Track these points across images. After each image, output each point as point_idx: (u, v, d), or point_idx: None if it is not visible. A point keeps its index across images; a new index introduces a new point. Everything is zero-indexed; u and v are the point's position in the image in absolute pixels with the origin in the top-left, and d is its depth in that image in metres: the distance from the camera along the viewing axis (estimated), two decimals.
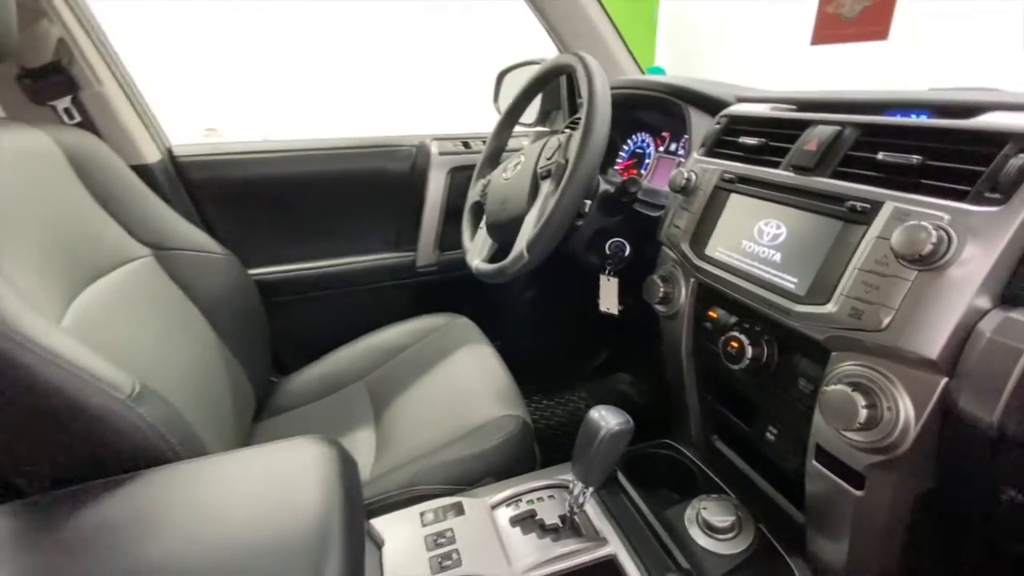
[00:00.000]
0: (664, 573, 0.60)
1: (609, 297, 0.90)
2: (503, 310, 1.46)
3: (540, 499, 0.70)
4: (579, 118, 0.76)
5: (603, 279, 0.90)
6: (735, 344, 0.61)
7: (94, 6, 0.97)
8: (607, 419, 0.57)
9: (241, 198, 1.17)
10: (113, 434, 0.52)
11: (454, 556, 0.61)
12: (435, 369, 1.00)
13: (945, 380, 0.43)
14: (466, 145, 1.32)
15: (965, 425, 0.42)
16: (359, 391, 1.02)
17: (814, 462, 0.55)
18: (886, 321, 0.45)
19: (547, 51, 1.26)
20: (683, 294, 0.73)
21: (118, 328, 0.70)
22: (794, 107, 0.69)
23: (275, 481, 0.52)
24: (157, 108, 1.10)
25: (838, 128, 0.57)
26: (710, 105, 0.83)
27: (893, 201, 0.48)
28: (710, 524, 0.65)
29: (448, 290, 1.36)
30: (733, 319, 0.66)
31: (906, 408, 0.45)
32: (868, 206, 0.49)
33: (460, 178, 1.29)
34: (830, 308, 0.49)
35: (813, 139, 0.58)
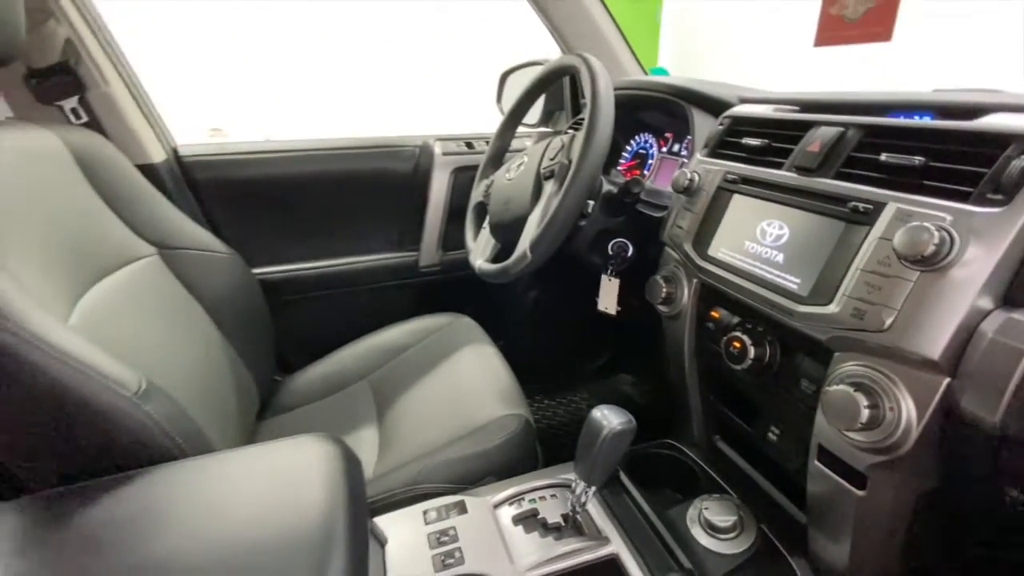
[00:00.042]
0: (666, 572, 0.61)
1: (608, 297, 0.90)
2: (506, 310, 1.46)
3: (542, 498, 0.70)
4: (582, 119, 0.76)
5: (604, 279, 0.90)
6: (737, 344, 0.61)
7: (100, 6, 0.98)
8: (610, 419, 0.57)
9: (246, 198, 1.18)
10: (119, 431, 0.52)
11: (457, 554, 0.61)
12: (438, 369, 1.00)
13: (947, 380, 0.43)
14: (469, 145, 1.32)
15: (967, 425, 0.42)
16: (362, 390, 1.03)
17: (816, 462, 0.55)
18: (888, 322, 0.45)
19: (548, 51, 1.26)
20: (686, 294, 0.73)
21: (124, 326, 0.70)
22: (797, 108, 0.69)
23: (280, 479, 0.52)
24: (160, 108, 1.11)
25: (841, 129, 0.57)
26: (713, 106, 0.83)
27: (896, 202, 0.48)
28: (712, 524, 0.65)
29: (451, 290, 1.37)
30: (736, 319, 0.66)
31: (908, 408, 0.45)
32: (871, 207, 0.50)
33: (463, 178, 1.29)
34: (832, 308, 0.50)
35: (816, 140, 0.59)
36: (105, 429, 0.52)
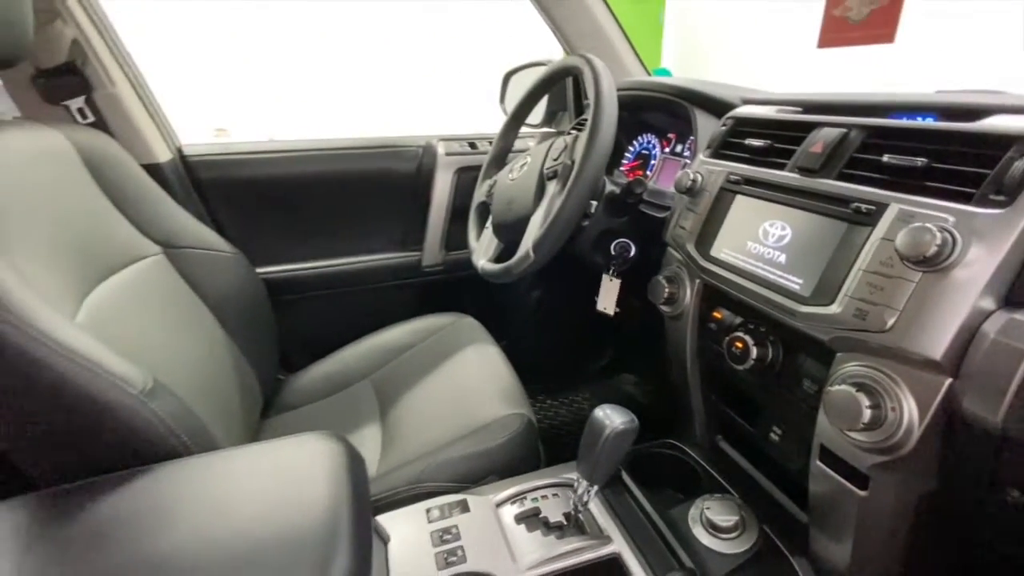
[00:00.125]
0: (668, 571, 0.61)
1: (608, 297, 0.90)
2: (508, 310, 1.46)
3: (544, 497, 0.70)
4: (585, 119, 0.77)
5: (605, 278, 0.90)
6: (740, 344, 0.61)
7: (106, 7, 0.99)
8: (612, 418, 0.57)
9: (250, 197, 1.18)
10: (125, 428, 0.52)
11: (459, 552, 0.62)
12: (440, 368, 1.00)
13: (949, 381, 0.43)
14: (472, 146, 1.33)
15: (969, 426, 0.42)
16: (365, 389, 1.03)
17: (818, 462, 0.55)
18: (890, 322, 0.45)
19: (548, 51, 1.27)
20: (688, 295, 0.73)
21: (130, 324, 0.71)
22: (800, 109, 0.69)
23: (284, 476, 0.52)
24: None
25: (844, 130, 0.57)
26: (716, 107, 0.84)
27: (898, 203, 0.48)
28: (714, 523, 0.65)
29: (454, 290, 1.37)
30: (738, 320, 0.67)
31: (910, 408, 0.45)
32: (873, 208, 0.50)
33: (466, 178, 1.30)
34: (835, 309, 0.50)
35: (819, 141, 0.59)
36: (111, 426, 0.52)
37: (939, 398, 0.43)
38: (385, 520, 0.66)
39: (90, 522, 0.47)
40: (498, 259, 0.89)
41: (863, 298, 0.48)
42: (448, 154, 1.29)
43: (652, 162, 1.05)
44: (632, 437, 0.58)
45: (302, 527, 0.46)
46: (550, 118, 1.32)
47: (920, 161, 0.49)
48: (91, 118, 0.97)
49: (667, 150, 1.03)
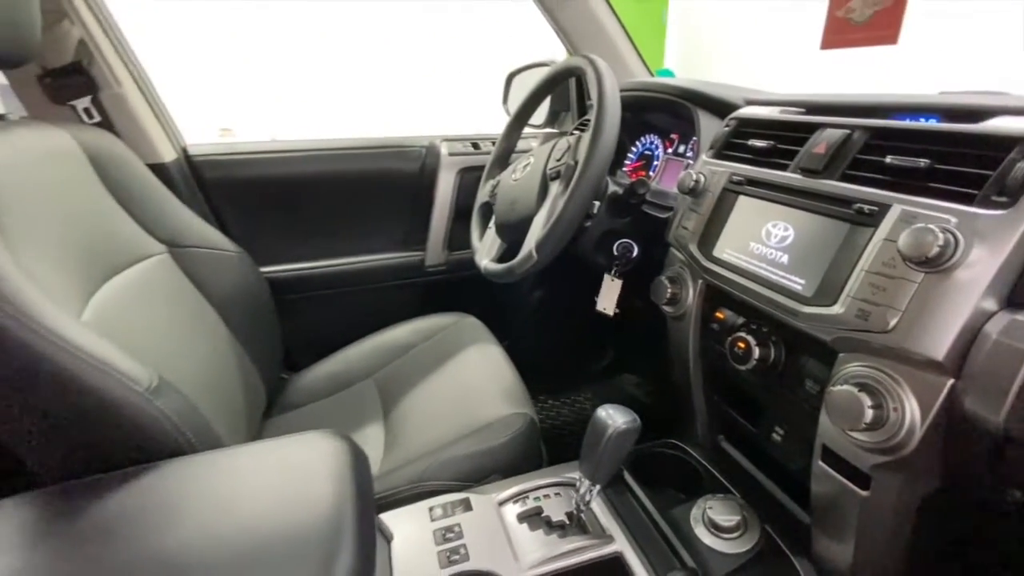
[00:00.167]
0: (669, 571, 0.61)
1: (608, 297, 0.90)
2: (511, 310, 1.46)
3: (547, 496, 0.70)
4: (588, 120, 0.77)
5: (607, 278, 0.90)
6: (742, 345, 0.62)
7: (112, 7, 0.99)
8: (614, 417, 0.58)
9: (254, 197, 1.19)
10: (131, 425, 0.53)
11: (462, 551, 0.62)
12: (443, 367, 1.01)
13: (951, 381, 0.43)
14: (475, 146, 1.33)
15: (971, 426, 0.42)
16: (368, 388, 1.04)
17: (820, 462, 0.55)
18: (893, 322, 0.45)
19: (549, 51, 1.27)
20: (691, 295, 0.73)
21: (135, 323, 0.71)
22: (803, 110, 0.69)
23: (289, 474, 0.53)
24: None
25: (847, 131, 0.58)
26: (719, 107, 0.84)
27: (900, 204, 0.48)
28: (716, 523, 0.65)
29: (456, 290, 1.38)
30: (740, 320, 0.67)
31: (912, 409, 0.45)
32: (876, 209, 0.50)
33: (469, 179, 1.30)
34: (837, 309, 0.50)
35: (822, 142, 0.59)
36: (117, 423, 0.52)
37: (941, 398, 0.43)
38: (388, 518, 0.66)
39: (97, 518, 0.48)
40: (501, 259, 0.90)
41: (865, 298, 0.48)
42: (451, 154, 1.29)
43: (655, 163, 1.05)
44: (634, 437, 0.58)
45: (307, 524, 0.46)
46: (553, 118, 1.32)
47: (923, 162, 0.49)
48: (97, 118, 0.98)
49: (670, 151, 1.03)
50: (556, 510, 0.68)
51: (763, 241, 0.61)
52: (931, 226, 0.43)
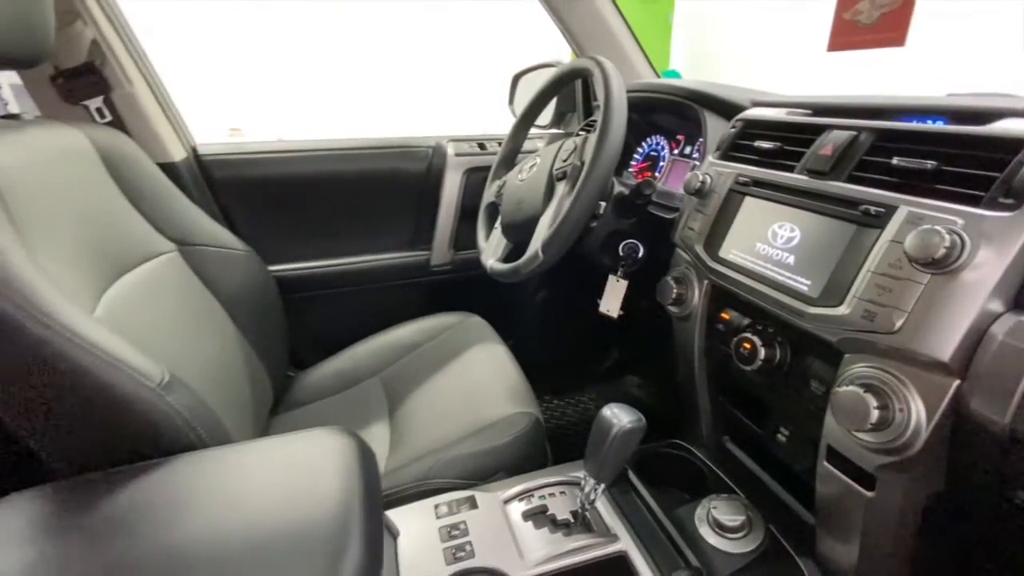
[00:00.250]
0: (674, 570, 0.61)
1: (612, 299, 0.90)
2: (516, 310, 1.47)
3: (552, 495, 0.71)
4: (594, 120, 0.77)
5: (612, 279, 0.90)
6: (748, 345, 0.62)
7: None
8: (620, 416, 0.58)
9: (263, 196, 1.20)
10: (143, 421, 0.54)
11: (467, 548, 0.62)
12: (448, 366, 1.01)
13: (957, 382, 0.43)
14: (481, 146, 1.34)
15: (976, 427, 0.42)
16: (374, 386, 1.04)
17: (825, 463, 0.55)
18: (899, 323, 0.45)
19: (547, 50, 1.27)
20: (696, 295, 0.73)
21: (145, 320, 0.72)
22: (809, 111, 0.69)
23: (297, 470, 0.53)
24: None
25: (853, 133, 0.58)
26: (725, 109, 0.84)
27: (907, 205, 0.48)
28: (720, 523, 0.65)
29: (462, 289, 1.38)
30: (746, 320, 0.67)
31: (918, 410, 0.45)
32: (882, 210, 0.50)
33: (475, 179, 1.31)
34: (843, 310, 0.50)
35: (828, 143, 0.59)
36: (129, 418, 0.53)
37: (947, 399, 0.44)
38: (394, 515, 0.67)
39: (108, 512, 0.48)
40: (507, 259, 0.90)
41: (871, 299, 0.48)
42: (458, 155, 1.30)
43: (661, 163, 1.06)
44: (639, 436, 0.59)
45: (315, 520, 0.46)
46: (559, 119, 1.32)
47: (929, 164, 0.49)
48: (108, 117, 0.99)
49: (676, 152, 1.03)
50: (561, 509, 0.68)
51: (769, 242, 0.61)
52: (937, 227, 0.43)
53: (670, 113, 1.01)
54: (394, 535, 0.64)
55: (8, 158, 0.61)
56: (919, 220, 0.46)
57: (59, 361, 0.49)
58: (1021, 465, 0.42)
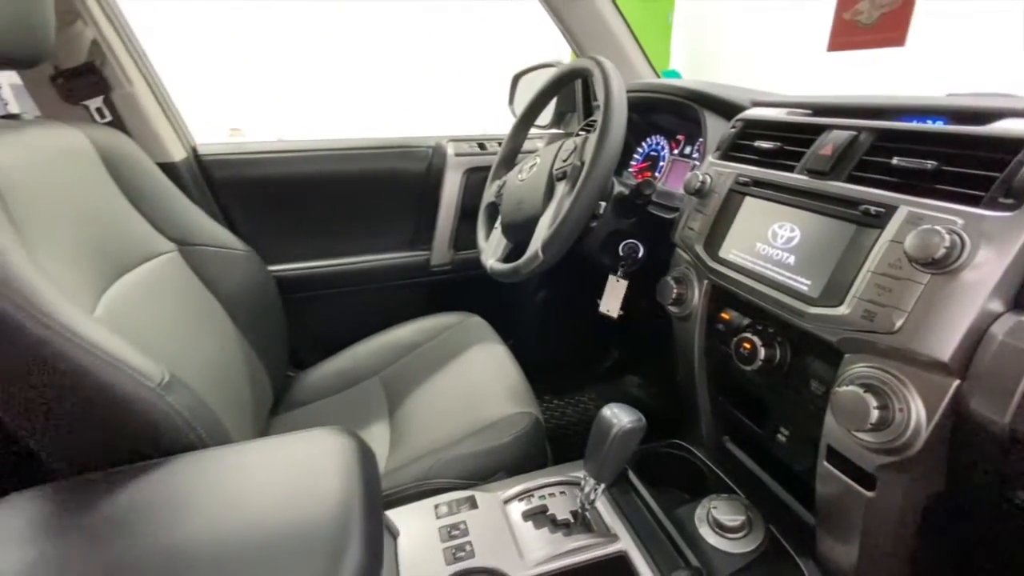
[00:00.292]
0: (674, 570, 0.61)
1: (612, 299, 0.90)
2: (516, 310, 1.47)
3: (552, 495, 0.71)
4: (594, 120, 0.77)
5: (611, 279, 0.90)
6: (748, 345, 0.62)
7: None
8: (620, 416, 0.58)
9: (263, 196, 1.20)
10: (143, 421, 0.53)
11: (467, 548, 0.62)
12: (448, 366, 1.01)
13: (957, 382, 0.43)
14: (481, 146, 1.34)
15: (976, 427, 0.42)
16: (374, 386, 1.04)
17: (825, 463, 0.55)
18: (899, 323, 0.45)
19: (547, 50, 1.27)
20: (696, 295, 0.73)
21: (145, 320, 0.72)
22: (809, 111, 0.69)
23: (297, 470, 0.53)
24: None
25: (853, 133, 0.58)
26: (725, 109, 0.84)
27: (907, 205, 0.48)
28: (720, 523, 0.65)
29: (462, 289, 1.38)
30: (746, 320, 0.67)
31: (918, 410, 0.45)
32: (882, 210, 0.50)
33: (475, 179, 1.31)
34: (843, 310, 0.50)
35: (828, 143, 0.59)
36: (129, 418, 0.53)
37: (947, 399, 0.44)
38: (394, 515, 0.67)
39: (108, 512, 0.48)
40: (507, 259, 0.90)
41: (871, 299, 0.48)
42: (457, 155, 1.30)
43: (661, 163, 1.06)
44: (639, 436, 0.59)
45: (315, 520, 0.46)
46: (559, 119, 1.32)
47: (929, 164, 0.49)
48: (108, 117, 0.99)
49: (676, 152, 1.03)
50: (561, 508, 0.68)
51: (769, 242, 0.61)
52: (937, 227, 0.43)
53: (670, 113, 1.01)
54: (394, 535, 0.64)
55: (8, 158, 0.61)
56: (919, 220, 0.46)
57: (59, 361, 0.49)
58: (1021, 465, 0.42)
